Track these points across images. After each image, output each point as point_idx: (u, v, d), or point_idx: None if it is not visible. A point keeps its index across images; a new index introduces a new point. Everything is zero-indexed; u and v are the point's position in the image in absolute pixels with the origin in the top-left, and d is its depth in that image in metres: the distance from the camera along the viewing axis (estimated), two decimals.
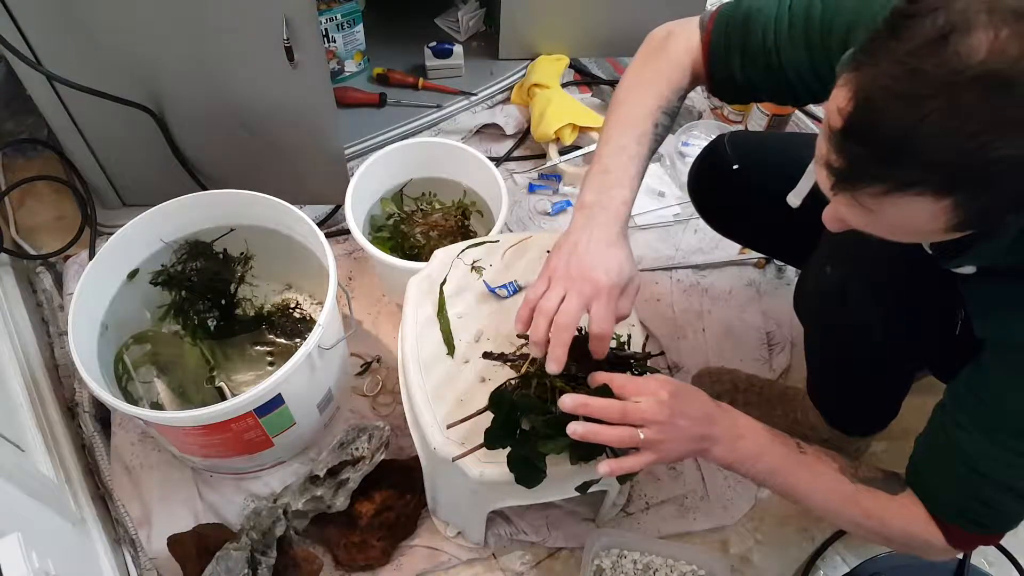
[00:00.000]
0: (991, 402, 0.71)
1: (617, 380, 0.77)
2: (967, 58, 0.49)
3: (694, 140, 1.56)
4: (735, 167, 1.04)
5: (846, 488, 0.79)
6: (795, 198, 0.85)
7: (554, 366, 0.76)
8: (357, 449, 1.03)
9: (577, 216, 0.83)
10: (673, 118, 0.88)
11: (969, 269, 0.68)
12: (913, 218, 0.56)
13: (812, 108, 1.65)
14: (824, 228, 0.67)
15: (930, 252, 0.69)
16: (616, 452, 0.79)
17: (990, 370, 0.72)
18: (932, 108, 0.51)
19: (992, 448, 0.71)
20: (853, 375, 1.02)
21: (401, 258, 1.18)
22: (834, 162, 0.57)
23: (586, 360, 0.82)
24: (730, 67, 0.85)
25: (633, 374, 0.86)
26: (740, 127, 1.61)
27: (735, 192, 1.08)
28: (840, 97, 0.56)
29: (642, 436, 0.73)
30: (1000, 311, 0.69)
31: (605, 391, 0.78)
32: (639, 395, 0.75)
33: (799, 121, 1.63)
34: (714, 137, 1.12)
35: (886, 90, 0.53)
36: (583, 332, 0.88)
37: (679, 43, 0.88)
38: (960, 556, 0.99)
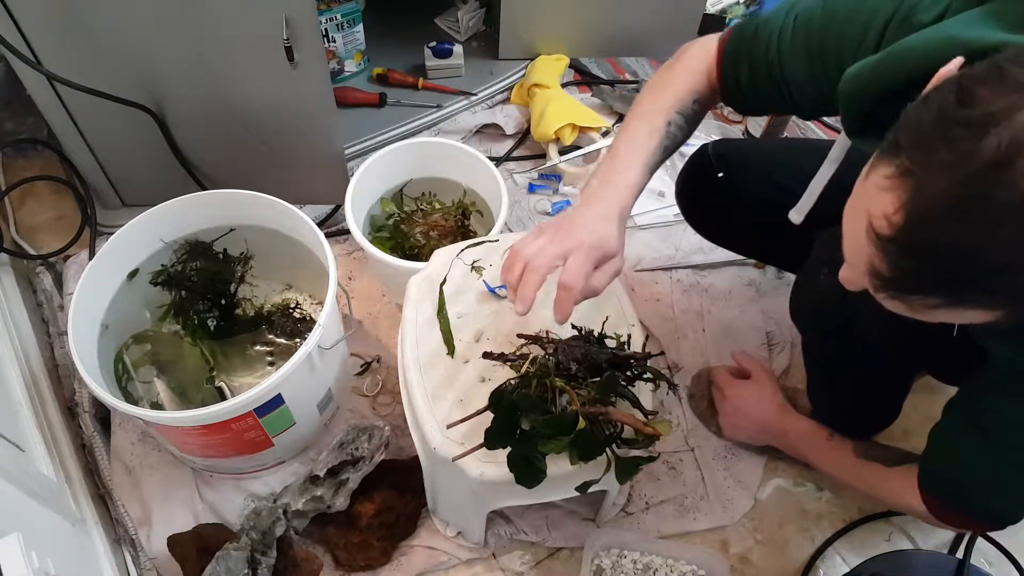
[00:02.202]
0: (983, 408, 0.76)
1: None
2: None
3: (694, 140, 1.55)
4: (720, 175, 1.04)
5: (853, 463, 0.98)
6: (797, 215, 0.85)
7: (519, 307, 0.79)
8: (357, 449, 1.03)
9: (580, 198, 0.86)
10: (690, 120, 0.89)
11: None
12: (960, 319, 0.56)
13: None
14: (816, 234, 0.67)
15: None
16: (616, 452, 0.79)
17: (992, 384, 0.75)
18: (1002, 236, 0.48)
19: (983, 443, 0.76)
20: (852, 379, 1.02)
21: (401, 258, 1.18)
22: (883, 271, 0.54)
23: (586, 360, 0.82)
24: (738, 77, 0.85)
25: (633, 374, 0.86)
26: (740, 127, 1.61)
27: (721, 200, 1.09)
28: (886, 202, 0.52)
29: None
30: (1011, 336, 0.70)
31: (608, 385, 0.78)
32: None
33: (798, 121, 1.63)
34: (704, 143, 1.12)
35: (947, 211, 0.49)
36: (583, 331, 0.88)
37: (697, 52, 0.89)
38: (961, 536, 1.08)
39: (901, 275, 0.54)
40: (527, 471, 0.78)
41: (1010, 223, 0.47)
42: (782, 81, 0.81)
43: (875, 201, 0.53)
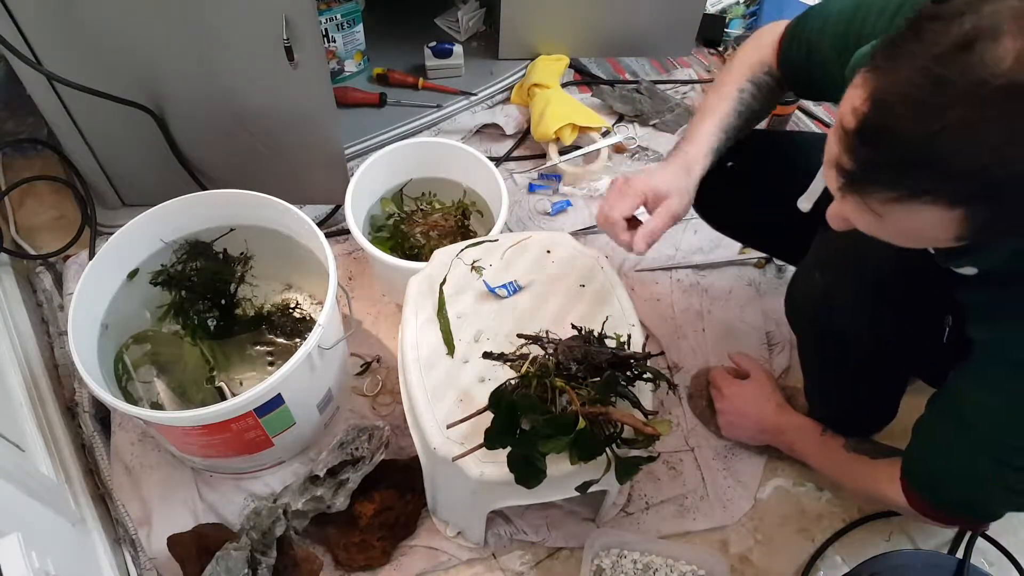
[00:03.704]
0: (964, 398, 0.76)
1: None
2: (993, 67, 0.48)
3: None
4: (729, 164, 1.05)
5: (844, 458, 0.99)
6: (806, 202, 0.85)
7: (634, 251, 0.90)
8: (357, 449, 1.03)
9: None
10: (763, 90, 0.95)
11: (970, 270, 0.68)
12: (921, 225, 0.56)
13: (812, 108, 1.65)
14: (817, 231, 0.67)
15: (932, 252, 0.70)
16: (616, 452, 0.79)
17: (974, 374, 0.74)
18: (953, 118, 0.49)
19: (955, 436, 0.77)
20: (847, 380, 1.02)
21: (401, 258, 1.18)
22: (845, 164, 0.56)
23: (586, 360, 0.82)
24: (790, 55, 0.91)
25: (633, 374, 0.86)
26: None
27: (730, 189, 1.08)
28: (855, 97, 0.55)
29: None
30: (995, 319, 0.70)
31: (608, 385, 0.78)
32: None
33: (799, 121, 1.63)
34: None
35: (906, 96, 0.51)
36: (583, 331, 0.88)
37: (768, 30, 0.95)
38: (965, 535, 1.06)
39: (861, 167, 0.55)
40: (527, 471, 0.78)
41: (963, 105, 0.49)
42: (819, 63, 0.84)
43: (846, 102, 0.56)
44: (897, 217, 0.56)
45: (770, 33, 0.95)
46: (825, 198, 0.65)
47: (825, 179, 0.61)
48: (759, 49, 0.95)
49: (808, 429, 1.06)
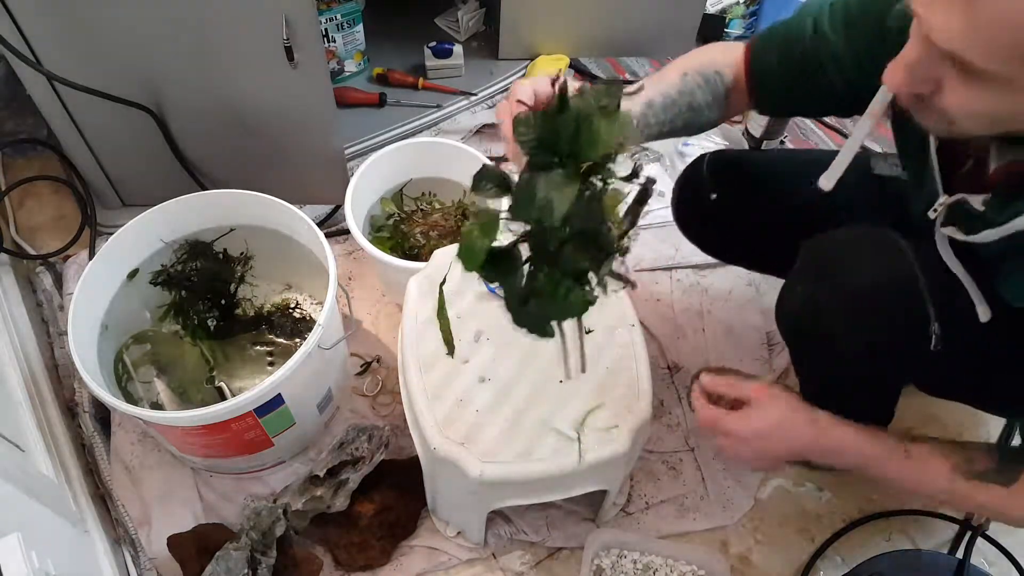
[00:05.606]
0: None
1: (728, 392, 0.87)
2: None
3: (694, 139, 1.56)
4: (713, 196, 1.04)
5: (960, 487, 0.79)
6: (827, 181, 0.83)
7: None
8: (357, 449, 1.03)
9: None
10: (711, 83, 0.87)
11: (992, 235, 0.67)
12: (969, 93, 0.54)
13: None
14: (802, 242, 0.66)
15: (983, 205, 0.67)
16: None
17: None
18: None
19: None
20: (840, 388, 1.01)
21: (401, 258, 1.18)
22: None
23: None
24: (767, 64, 0.86)
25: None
26: (741, 127, 1.61)
27: (715, 222, 1.08)
28: None
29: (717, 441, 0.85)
30: None
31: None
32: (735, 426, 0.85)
33: (797, 122, 1.63)
34: (698, 155, 1.11)
35: None
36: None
37: (718, 45, 0.91)
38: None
39: None
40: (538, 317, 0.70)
41: None
42: (816, 65, 0.81)
43: None
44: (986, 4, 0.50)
45: (720, 47, 0.90)
46: (801, 215, 0.63)
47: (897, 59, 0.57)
48: (712, 54, 0.88)
49: (886, 454, 0.83)
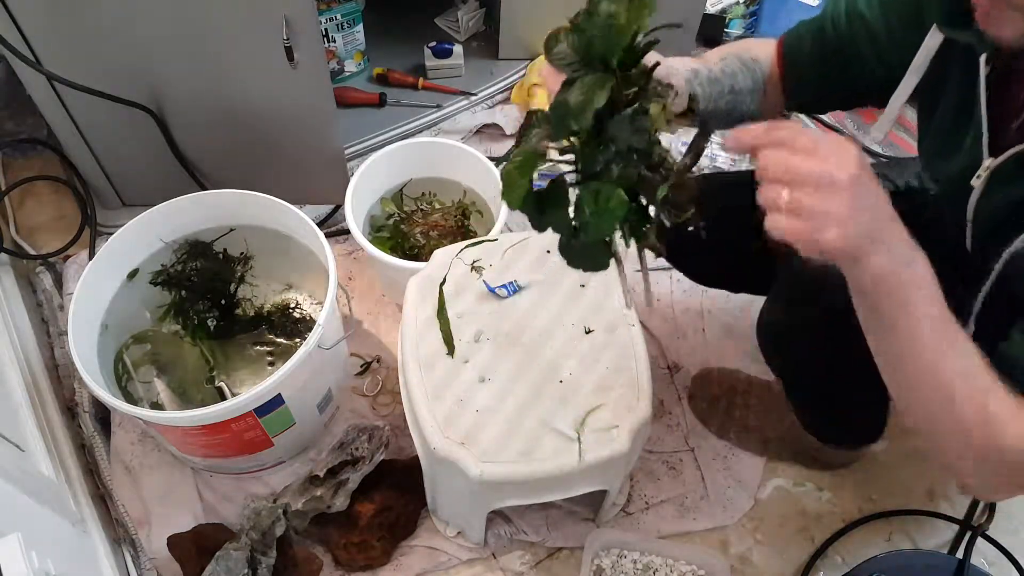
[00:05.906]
0: None
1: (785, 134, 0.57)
2: None
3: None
4: (700, 227, 1.03)
5: (982, 379, 0.60)
6: (879, 133, 0.81)
7: None
8: (357, 449, 1.03)
9: None
10: (750, 72, 0.86)
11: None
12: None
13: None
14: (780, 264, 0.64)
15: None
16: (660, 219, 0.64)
17: None
18: None
19: None
20: (829, 402, 1.01)
21: (401, 258, 1.18)
22: None
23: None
24: (800, 50, 0.85)
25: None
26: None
27: (702, 251, 1.05)
28: None
29: (785, 195, 0.55)
30: None
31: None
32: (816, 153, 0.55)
33: (797, 120, 1.63)
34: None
35: None
36: None
37: (753, 39, 0.92)
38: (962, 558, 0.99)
39: None
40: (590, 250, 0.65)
41: None
42: (851, 46, 0.80)
43: None
44: None
45: (752, 40, 0.90)
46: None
47: None
48: (741, 44, 0.89)
49: (930, 280, 0.60)
